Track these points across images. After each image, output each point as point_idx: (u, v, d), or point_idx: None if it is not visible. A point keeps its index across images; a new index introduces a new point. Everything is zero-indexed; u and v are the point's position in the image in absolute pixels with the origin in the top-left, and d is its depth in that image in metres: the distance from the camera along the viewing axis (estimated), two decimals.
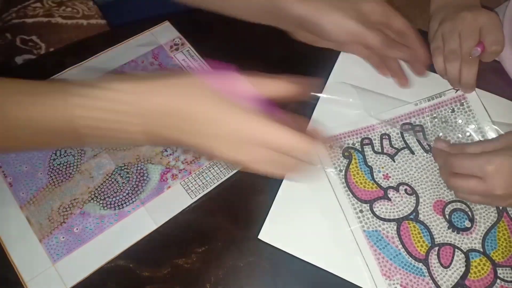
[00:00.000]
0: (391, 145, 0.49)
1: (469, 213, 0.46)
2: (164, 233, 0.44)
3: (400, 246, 0.44)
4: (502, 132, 0.48)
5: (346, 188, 0.46)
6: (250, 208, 0.46)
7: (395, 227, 0.44)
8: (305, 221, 0.45)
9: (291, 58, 0.56)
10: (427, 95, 0.51)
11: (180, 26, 0.58)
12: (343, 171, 0.47)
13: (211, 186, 0.47)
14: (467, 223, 0.45)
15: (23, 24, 0.64)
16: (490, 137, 0.48)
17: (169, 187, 0.46)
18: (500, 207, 0.46)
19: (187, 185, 0.47)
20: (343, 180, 0.47)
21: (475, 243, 0.44)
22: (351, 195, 0.46)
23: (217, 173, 0.47)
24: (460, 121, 0.49)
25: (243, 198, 0.47)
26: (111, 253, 0.43)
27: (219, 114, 0.35)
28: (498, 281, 0.42)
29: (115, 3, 0.74)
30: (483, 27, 0.51)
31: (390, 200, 0.46)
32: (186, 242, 0.44)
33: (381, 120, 0.50)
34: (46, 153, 0.48)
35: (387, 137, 0.49)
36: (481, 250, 0.44)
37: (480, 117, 0.49)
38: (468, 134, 0.49)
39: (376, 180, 0.47)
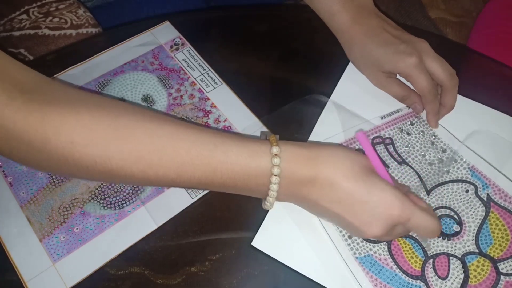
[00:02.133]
0: None
1: (456, 216, 0.45)
2: (177, 239, 0.44)
3: (395, 266, 0.42)
4: (458, 139, 0.49)
5: None
6: (252, 209, 0.46)
7: (386, 247, 0.43)
8: (300, 236, 0.44)
9: (291, 58, 0.56)
10: (391, 109, 0.51)
11: (180, 26, 0.58)
12: None
13: None
14: (456, 227, 0.44)
15: (10, 37, 0.62)
16: (450, 147, 0.49)
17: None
18: (485, 199, 0.45)
19: None
20: None
21: (468, 245, 0.43)
22: None
23: None
24: (421, 132, 0.50)
25: (244, 198, 0.47)
26: (111, 253, 0.43)
27: (370, 194, 0.38)
28: (502, 277, 0.41)
29: (113, 4, 0.74)
30: None
31: None
32: (200, 248, 0.44)
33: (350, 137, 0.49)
34: None
35: (362, 152, 0.49)
36: (477, 250, 0.43)
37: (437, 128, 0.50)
38: (431, 144, 0.49)
39: None
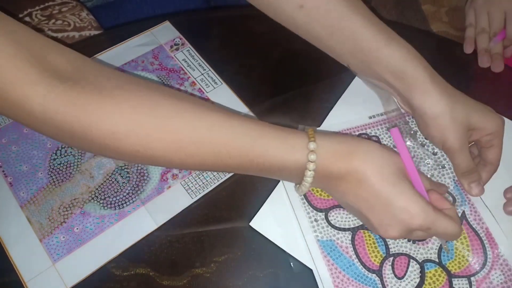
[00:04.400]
0: None
1: None
2: (181, 240, 0.44)
3: (354, 256, 0.43)
4: None
5: (302, 196, 0.46)
6: (253, 208, 0.46)
7: (350, 237, 0.44)
8: (290, 220, 0.45)
9: (291, 58, 0.56)
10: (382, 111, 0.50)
11: (180, 26, 0.58)
12: None
13: (211, 186, 0.47)
14: None
15: None
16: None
17: (169, 187, 0.46)
18: (459, 214, 0.45)
19: (187, 185, 0.47)
20: None
21: (431, 253, 0.43)
22: (306, 203, 0.45)
23: (217, 173, 0.47)
24: (414, 132, 0.49)
25: (245, 197, 0.47)
26: (111, 253, 0.43)
27: (395, 199, 0.37)
28: None
29: (113, 4, 0.74)
30: (508, 13, 0.57)
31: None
32: (204, 250, 0.44)
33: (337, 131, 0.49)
34: (46, 153, 0.48)
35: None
36: (437, 260, 0.43)
37: None
38: (423, 142, 0.48)
39: None
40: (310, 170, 0.38)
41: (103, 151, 0.36)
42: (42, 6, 0.64)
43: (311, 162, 0.37)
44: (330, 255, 0.43)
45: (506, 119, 0.49)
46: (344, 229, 0.44)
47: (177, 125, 0.35)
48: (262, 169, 0.38)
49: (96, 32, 0.65)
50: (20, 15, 0.64)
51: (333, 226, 0.44)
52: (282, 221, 0.44)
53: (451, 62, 0.58)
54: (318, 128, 0.50)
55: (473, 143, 0.47)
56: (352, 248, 0.43)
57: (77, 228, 0.44)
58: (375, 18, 0.45)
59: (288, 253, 0.43)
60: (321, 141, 0.38)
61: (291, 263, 0.43)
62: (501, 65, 0.56)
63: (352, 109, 0.51)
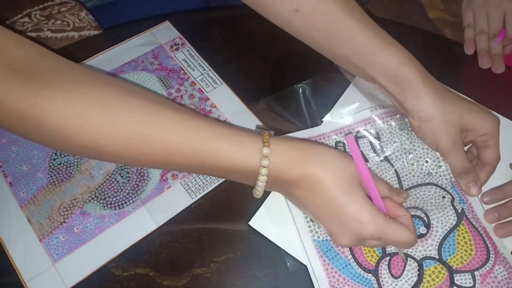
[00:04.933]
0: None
1: (425, 218, 0.44)
2: (181, 240, 0.44)
3: (350, 256, 0.43)
4: None
5: None
6: (254, 208, 0.46)
7: None
8: (290, 219, 0.45)
9: (291, 58, 0.56)
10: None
11: (180, 26, 0.58)
12: None
13: (211, 186, 0.47)
14: (423, 229, 0.44)
15: None
16: None
17: (169, 187, 0.46)
18: (459, 210, 0.45)
19: (187, 185, 0.47)
20: None
21: (430, 250, 0.43)
22: None
23: None
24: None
25: (245, 197, 0.47)
26: (111, 253, 0.43)
27: (346, 208, 0.37)
28: None
29: (113, 4, 0.74)
30: (507, 13, 0.58)
31: None
32: (204, 250, 0.44)
33: (336, 128, 0.49)
34: (46, 153, 0.48)
35: (341, 144, 0.49)
36: (437, 257, 0.42)
37: None
38: (421, 143, 0.48)
39: None
40: (262, 175, 0.37)
41: (54, 145, 0.36)
42: (41, 6, 0.65)
43: (264, 167, 0.37)
44: (326, 255, 0.43)
45: (505, 119, 0.49)
46: None
47: (129, 123, 0.35)
48: (215, 171, 0.38)
49: (96, 32, 0.65)
50: (20, 15, 0.64)
51: None
52: (279, 221, 0.45)
53: (451, 62, 0.58)
54: (317, 128, 0.50)
55: (471, 144, 0.47)
56: (348, 248, 0.43)
57: (77, 228, 0.44)
58: (371, 22, 0.45)
59: (288, 253, 0.43)
60: (275, 146, 0.38)
61: (287, 264, 0.43)
62: (502, 66, 0.56)
63: (352, 108, 0.51)
